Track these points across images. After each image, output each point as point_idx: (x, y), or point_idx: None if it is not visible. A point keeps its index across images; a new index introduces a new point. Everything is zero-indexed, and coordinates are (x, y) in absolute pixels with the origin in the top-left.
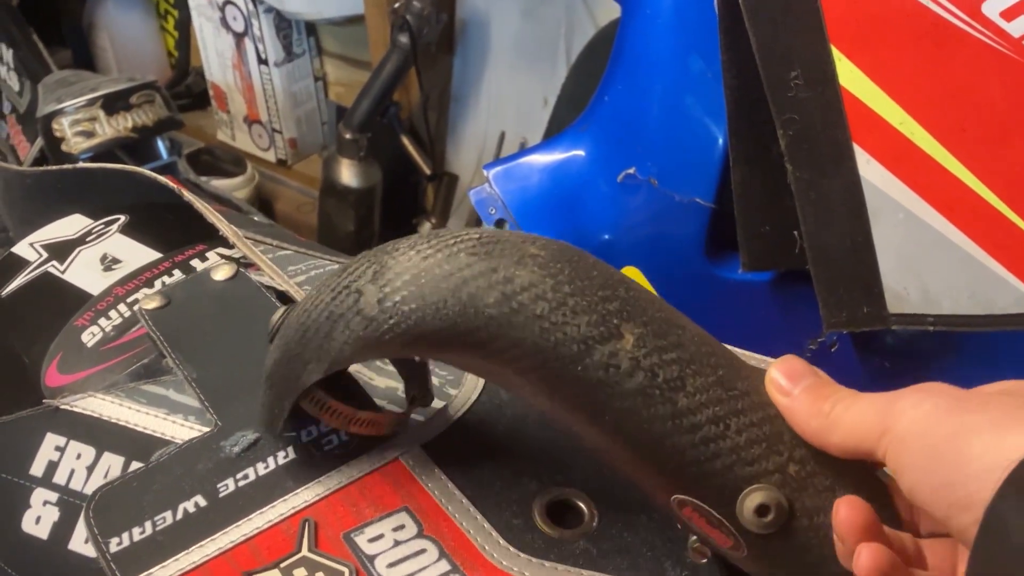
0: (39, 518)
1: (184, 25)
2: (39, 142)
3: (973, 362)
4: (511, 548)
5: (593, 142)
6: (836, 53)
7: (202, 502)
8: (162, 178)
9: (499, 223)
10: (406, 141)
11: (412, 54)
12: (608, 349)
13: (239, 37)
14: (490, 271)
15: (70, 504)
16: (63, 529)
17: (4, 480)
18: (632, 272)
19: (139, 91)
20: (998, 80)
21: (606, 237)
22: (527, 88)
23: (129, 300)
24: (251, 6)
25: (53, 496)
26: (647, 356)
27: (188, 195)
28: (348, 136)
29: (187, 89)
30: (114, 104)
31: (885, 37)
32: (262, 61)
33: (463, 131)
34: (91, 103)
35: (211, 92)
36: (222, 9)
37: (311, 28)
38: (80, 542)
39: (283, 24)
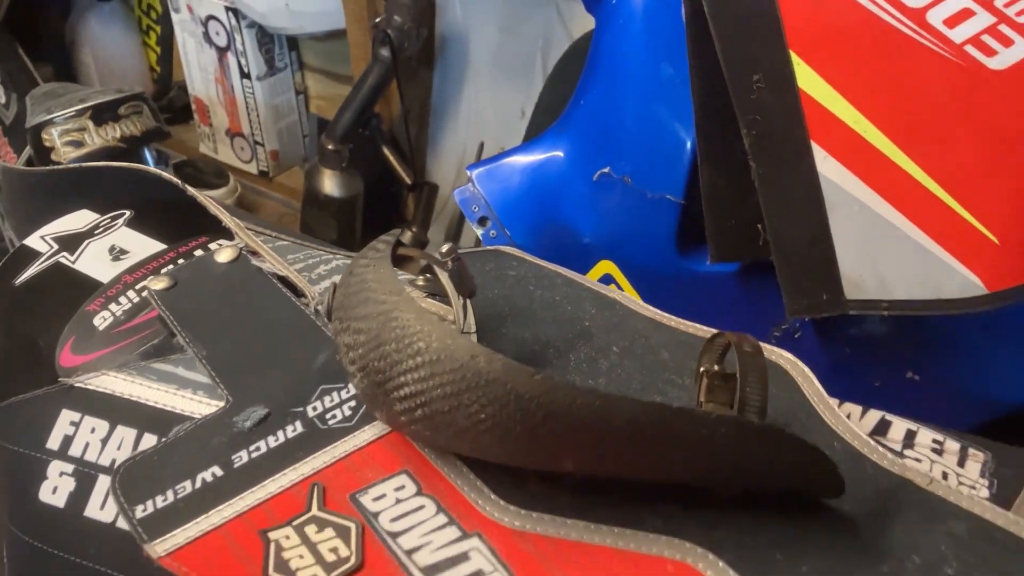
0: (56, 488)
1: (166, 41)
2: (27, 152)
3: (923, 344)
4: (501, 502)
5: (570, 143)
6: (795, 58)
7: (219, 472)
8: (166, 174)
9: (482, 220)
10: (387, 152)
11: (393, 67)
12: None
13: (222, 52)
14: None
15: (85, 475)
16: (79, 498)
17: (21, 454)
18: (608, 266)
19: (127, 102)
20: (942, 82)
21: (584, 233)
22: (505, 100)
23: (138, 287)
24: (234, 21)
25: (69, 467)
26: None
27: (192, 190)
28: (330, 147)
29: (169, 103)
30: (103, 115)
31: (840, 44)
32: (245, 75)
33: (443, 142)
34: (80, 113)
35: (193, 106)
36: (205, 24)
37: (293, 43)
38: (96, 509)
39: (265, 39)
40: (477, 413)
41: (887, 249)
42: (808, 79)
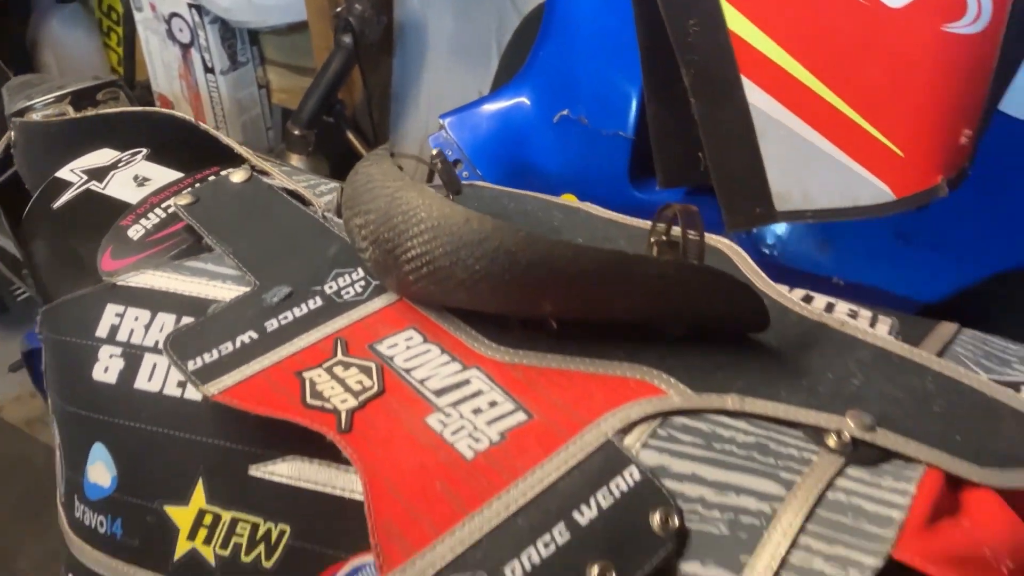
0: (107, 368)
1: (128, 41)
2: (7, 137)
3: (845, 252)
4: (493, 344)
5: (533, 90)
6: (724, 4)
7: (254, 335)
8: (179, 114)
9: (455, 163)
10: (351, 136)
11: (355, 53)
12: None
13: (185, 48)
14: None
15: (133, 355)
16: (128, 373)
17: (73, 343)
18: (570, 199)
19: (104, 88)
20: (850, 19)
21: (547, 169)
22: (463, 83)
23: (163, 206)
24: (197, 17)
25: (118, 350)
26: None
27: (203, 125)
28: (297, 132)
29: None
30: (81, 100)
31: None
32: (208, 70)
33: (405, 125)
34: (60, 99)
35: (157, 103)
36: (168, 21)
37: (254, 38)
38: (144, 380)
39: (227, 34)
40: (472, 266)
41: (810, 166)
42: (736, 21)
